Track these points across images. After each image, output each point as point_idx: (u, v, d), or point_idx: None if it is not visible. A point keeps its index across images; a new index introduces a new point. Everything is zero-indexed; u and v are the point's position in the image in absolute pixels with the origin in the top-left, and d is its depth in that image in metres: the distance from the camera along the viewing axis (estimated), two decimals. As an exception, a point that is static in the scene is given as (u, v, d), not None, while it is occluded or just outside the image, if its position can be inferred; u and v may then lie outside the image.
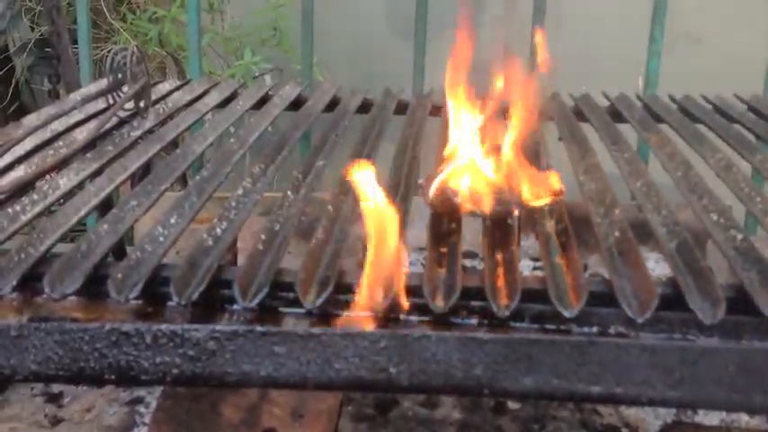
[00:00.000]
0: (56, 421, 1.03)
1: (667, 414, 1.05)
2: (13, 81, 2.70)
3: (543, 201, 0.83)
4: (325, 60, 2.31)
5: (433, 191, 0.81)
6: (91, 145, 1.00)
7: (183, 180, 2.03)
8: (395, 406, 1.04)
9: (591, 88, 1.43)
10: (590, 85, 1.44)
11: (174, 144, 1.33)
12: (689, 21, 2.46)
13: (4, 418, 1.04)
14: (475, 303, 0.68)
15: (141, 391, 1.09)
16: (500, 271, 0.73)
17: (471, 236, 1.43)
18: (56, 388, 1.10)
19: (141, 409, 1.05)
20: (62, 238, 0.77)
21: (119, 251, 1.32)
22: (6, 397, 1.09)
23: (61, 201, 0.87)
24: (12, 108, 2.72)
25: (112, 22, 2.38)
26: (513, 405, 1.04)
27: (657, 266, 1.36)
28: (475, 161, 0.82)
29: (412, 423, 1.00)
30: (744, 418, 1.05)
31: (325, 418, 0.99)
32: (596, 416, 1.03)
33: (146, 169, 0.98)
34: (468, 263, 1.41)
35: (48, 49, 2.50)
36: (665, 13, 1.53)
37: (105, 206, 1.06)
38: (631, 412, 1.04)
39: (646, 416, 1.04)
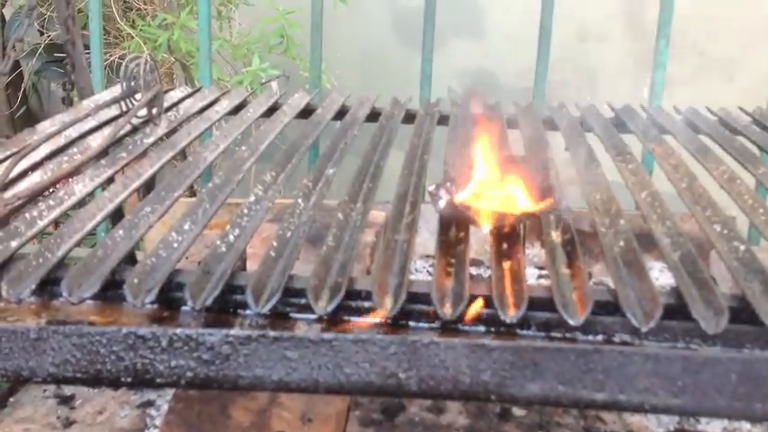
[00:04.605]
0: (68, 423, 1.04)
1: (670, 422, 1.06)
2: (23, 85, 2.73)
3: (546, 211, 0.84)
4: (333, 68, 2.34)
5: (443, 200, 0.82)
6: (105, 151, 1.02)
7: (190, 189, 2.05)
8: (401, 411, 1.05)
9: (596, 99, 1.44)
10: (595, 95, 1.45)
11: (183, 153, 1.35)
12: (694, 33, 2.48)
13: (18, 419, 1.05)
14: (482, 311, 0.69)
15: (152, 395, 1.10)
16: (507, 279, 0.74)
17: (477, 244, 1.45)
18: (67, 390, 1.12)
19: (152, 412, 1.07)
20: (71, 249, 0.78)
21: (129, 257, 1.33)
22: (18, 399, 1.10)
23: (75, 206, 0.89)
24: (19, 112, 2.75)
25: (123, 27, 2.40)
26: (518, 412, 1.05)
27: (662, 276, 1.37)
28: (485, 172, 0.83)
29: (419, 428, 1.02)
30: (745, 427, 1.06)
31: (333, 422, 1.00)
32: (600, 423, 1.04)
33: (151, 179, 0.99)
34: (473, 271, 1.43)
35: (56, 54, 2.52)
36: (670, 24, 1.55)
37: (116, 214, 1.08)
38: (635, 420, 1.05)
39: (649, 423, 1.05)
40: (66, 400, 1.10)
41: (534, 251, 1.48)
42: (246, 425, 0.98)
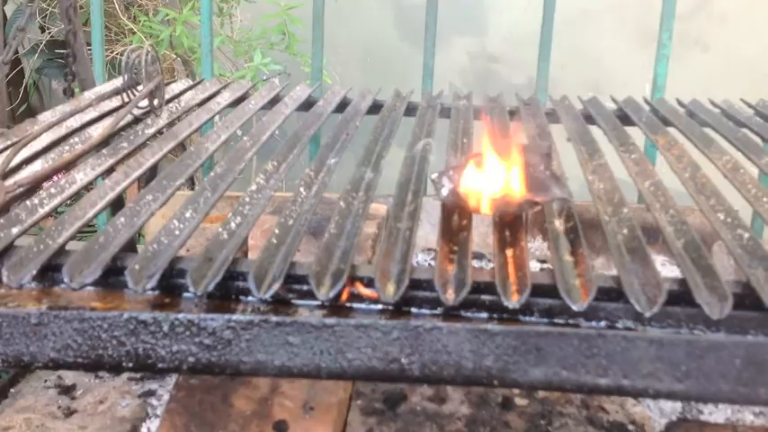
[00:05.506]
0: (69, 413, 1.04)
1: (672, 412, 1.06)
2: (24, 83, 2.73)
3: (549, 200, 0.84)
4: (333, 63, 2.34)
5: (445, 187, 0.82)
6: (106, 141, 1.02)
7: (191, 181, 2.04)
8: (403, 401, 1.05)
9: (599, 92, 1.44)
10: (598, 89, 1.45)
11: (182, 145, 1.34)
12: (697, 27, 2.48)
13: (19, 408, 1.05)
14: (485, 298, 0.69)
15: (153, 385, 1.10)
16: (510, 266, 0.74)
17: (478, 237, 1.45)
18: (68, 380, 1.12)
19: (153, 401, 1.07)
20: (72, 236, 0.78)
21: (129, 247, 1.33)
22: (19, 389, 1.10)
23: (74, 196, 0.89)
24: (20, 110, 2.75)
25: (127, 23, 2.40)
26: (520, 401, 1.05)
27: (663, 269, 1.37)
28: (488, 161, 0.83)
29: (420, 417, 1.01)
30: (749, 417, 1.06)
31: (335, 411, 1.00)
32: (603, 413, 1.04)
33: (152, 170, 0.99)
34: (475, 264, 1.42)
35: (58, 51, 2.52)
36: (672, 18, 1.55)
37: (116, 203, 1.08)
38: (637, 410, 1.05)
39: (651, 414, 1.05)
40: (66, 390, 1.10)
41: (536, 244, 1.48)
42: (248, 413, 0.98)
